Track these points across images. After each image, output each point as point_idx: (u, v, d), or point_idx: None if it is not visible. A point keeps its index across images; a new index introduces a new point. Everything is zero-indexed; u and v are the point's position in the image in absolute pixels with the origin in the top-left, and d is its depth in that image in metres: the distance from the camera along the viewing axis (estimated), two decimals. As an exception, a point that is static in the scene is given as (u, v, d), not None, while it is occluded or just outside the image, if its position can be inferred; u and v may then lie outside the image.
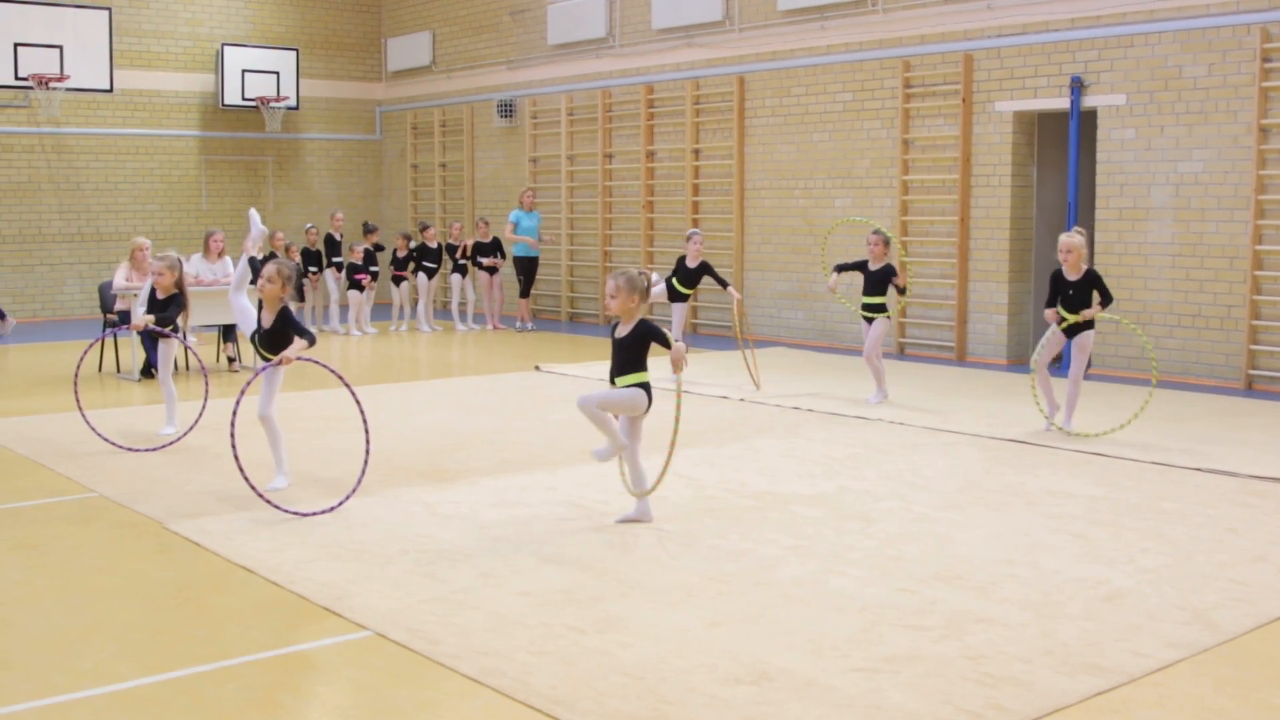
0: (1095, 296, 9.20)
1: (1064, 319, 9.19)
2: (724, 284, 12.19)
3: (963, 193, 13.91)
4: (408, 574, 5.82)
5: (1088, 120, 13.06)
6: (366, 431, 7.19)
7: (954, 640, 4.94)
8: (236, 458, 6.75)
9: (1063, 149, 13.61)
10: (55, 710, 4.30)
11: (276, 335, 7.53)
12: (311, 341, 7.36)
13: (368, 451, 7.22)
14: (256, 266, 9.12)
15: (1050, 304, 9.28)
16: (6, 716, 4.26)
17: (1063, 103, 13.06)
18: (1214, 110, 11.95)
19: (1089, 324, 9.22)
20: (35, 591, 5.68)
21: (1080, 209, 13.31)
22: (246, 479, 6.84)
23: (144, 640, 5.01)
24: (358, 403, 7.20)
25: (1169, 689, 4.49)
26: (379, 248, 17.53)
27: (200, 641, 4.97)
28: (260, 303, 7.60)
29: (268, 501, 6.86)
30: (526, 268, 17.46)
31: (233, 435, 6.79)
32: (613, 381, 6.74)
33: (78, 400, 9.10)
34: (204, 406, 9.30)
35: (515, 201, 19.75)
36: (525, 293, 17.54)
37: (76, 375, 9.32)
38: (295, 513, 6.87)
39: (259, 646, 4.93)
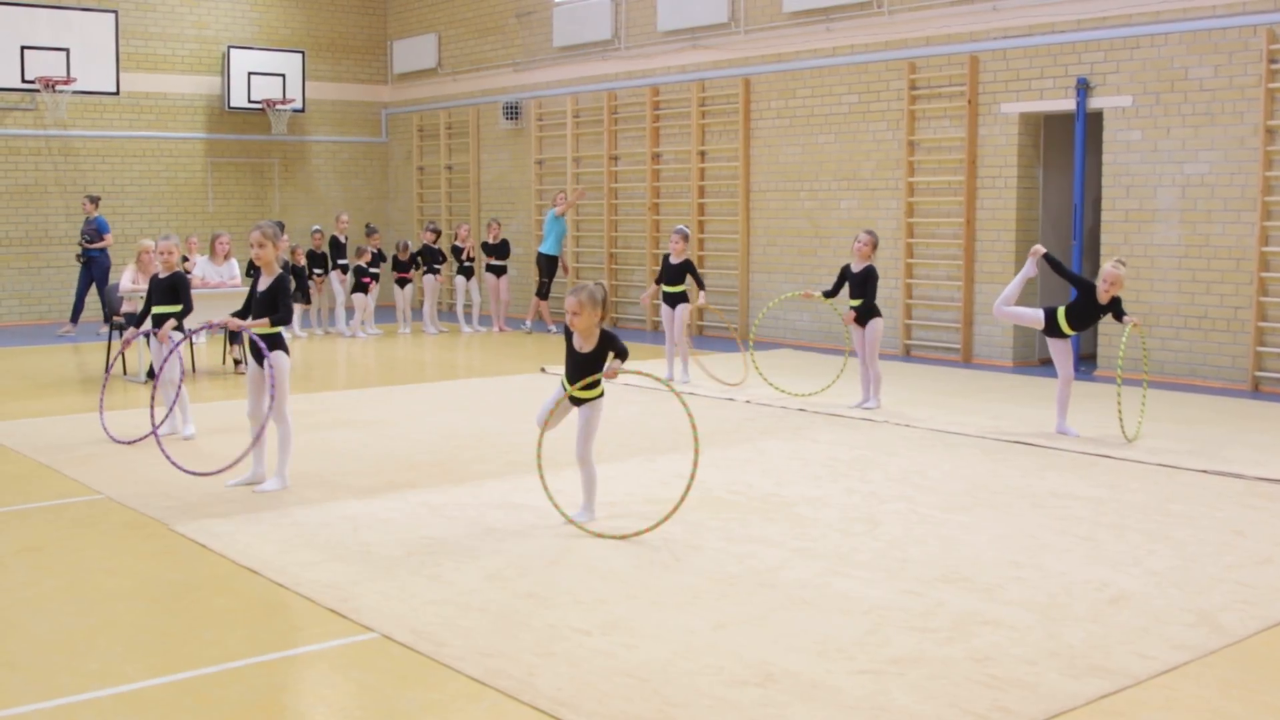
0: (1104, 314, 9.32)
1: (1065, 333, 9.28)
2: (701, 285, 12.09)
3: (968, 194, 13.90)
4: (413, 576, 5.83)
5: (1094, 122, 13.05)
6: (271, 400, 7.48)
7: (960, 642, 4.93)
8: (156, 434, 7.63)
9: (1069, 151, 13.60)
10: (62, 712, 4.31)
11: (270, 302, 7.57)
12: (284, 320, 7.54)
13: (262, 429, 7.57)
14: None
15: (1075, 316, 9.27)
16: (13, 718, 4.27)
17: (1069, 104, 13.05)
18: (1220, 112, 11.94)
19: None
20: (41, 593, 5.69)
21: (1086, 211, 13.31)
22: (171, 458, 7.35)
23: (150, 642, 5.02)
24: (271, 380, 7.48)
25: (1175, 691, 4.48)
26: (380, 253, 17.49)
27: (206, 643, 4.98)
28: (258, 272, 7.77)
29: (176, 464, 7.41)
30: (549, 268, 17.26)
31: (154, 433, 7.07)
32: (569, 384, 6.73)
33: (101, 407, 9.25)
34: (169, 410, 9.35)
35: (520, 204, 19.81)
36: (544, 294, 17.32)
37: (106, 378, 9.37)
38: (191, 472, 7.46)
39: (264, 648, 4.94)
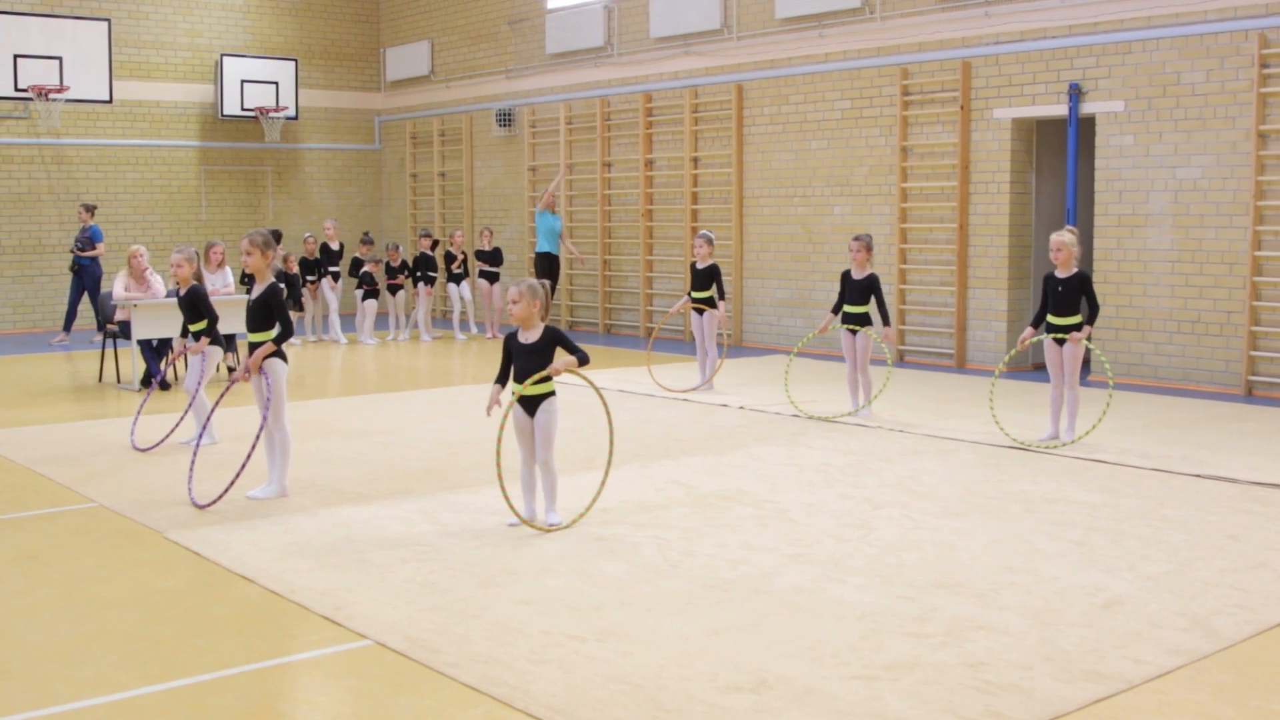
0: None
1: (1049, 322, 9.30)
2: (721, 295, 12.00)
3: (961, 200, 13.92)
4: (407, 583, 5.82)
5: (1086, 127, 13.08)
6: (264, 420, 7.45)
7: (954, 648, 4.94)
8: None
9: (1061, 156, 13.63)
10: (55, 720, 4.31)
11: (261, 311, 7.54)
12: (285, 336, 7.45)
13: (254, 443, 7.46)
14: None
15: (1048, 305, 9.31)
16: (6, 727, 4.27)
17: (1061, 109, 13.07)
18: (1212, 116, 11.97)
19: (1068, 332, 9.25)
20: (36, 601, 5.68)
21: (1079, 215, 13.33)
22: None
23: (144, 650, 5.01)
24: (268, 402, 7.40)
25: (1169, 696, 4.49)
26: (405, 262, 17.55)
27: (200, 651, 4.97)
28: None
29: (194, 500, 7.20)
30: (547, 268, 17.08)
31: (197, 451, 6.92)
32: (518, 383, 6.73)
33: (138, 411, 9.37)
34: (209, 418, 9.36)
35: (513, 210, 19.81)
36: None
37: (149, 390, 9.35)
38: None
39: (259, 656, 4.93)
